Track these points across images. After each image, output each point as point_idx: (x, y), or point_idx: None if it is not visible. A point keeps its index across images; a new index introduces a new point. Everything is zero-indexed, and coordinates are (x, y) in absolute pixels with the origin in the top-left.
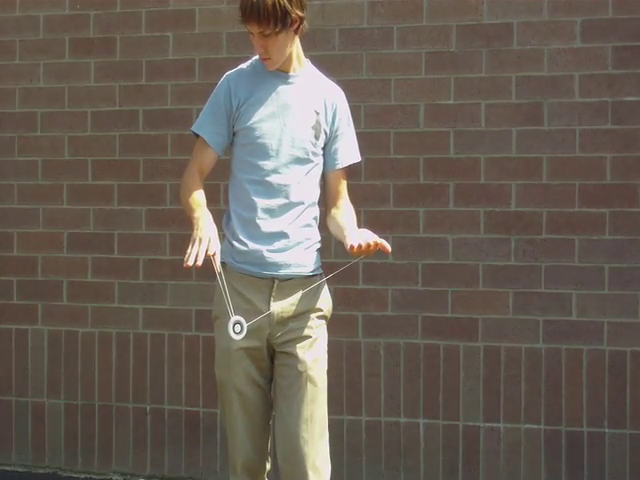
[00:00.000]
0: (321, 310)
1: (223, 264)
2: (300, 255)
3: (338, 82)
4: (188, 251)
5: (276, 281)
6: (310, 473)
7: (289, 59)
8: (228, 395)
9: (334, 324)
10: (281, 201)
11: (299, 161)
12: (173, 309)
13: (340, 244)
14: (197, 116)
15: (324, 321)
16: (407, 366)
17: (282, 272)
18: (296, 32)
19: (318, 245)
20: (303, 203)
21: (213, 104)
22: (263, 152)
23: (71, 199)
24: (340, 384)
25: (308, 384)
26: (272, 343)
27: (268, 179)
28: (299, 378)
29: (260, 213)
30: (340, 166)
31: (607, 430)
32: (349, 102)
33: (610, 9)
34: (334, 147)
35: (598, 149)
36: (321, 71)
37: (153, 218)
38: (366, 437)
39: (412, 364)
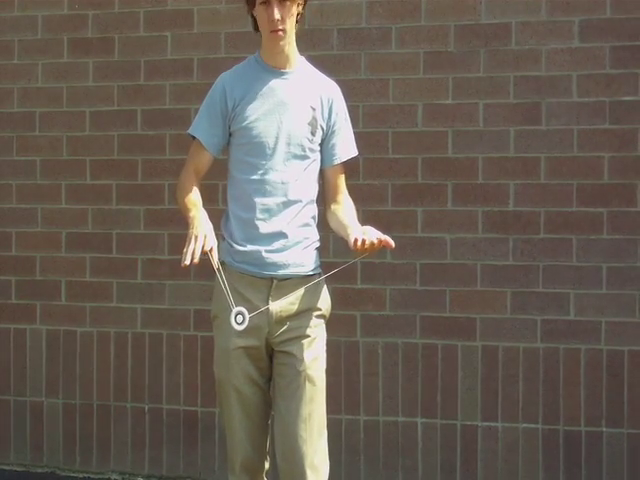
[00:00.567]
0: (320, 309)
1: (222, 263)
2: (299, 255)
3: (336, 82)
4: (184, 250)
5: (274, 281)
6: (308, 472)
7: (284, 55)
8: (227, 394)
9: (332, 323)
10: (279, 199)
11: (296, 158)
12: (171, 309)
13: (339, 243)
14: (195, 116)
15: (323, 320)
16: (405, 365)
17: (281, 272)
18: (297, 20)
19: (317, 244)
20: (301, 201)
21: (208, 105)
22: (260, 151)
23: (69, 199)
24: (338, 383)
25: (307, 383)
26: (271, 342)
27: (266, 177)
28: (298, 377)
29: (259, 213)
30: (338, 161)
31: (605, 429)
32: (347, 102)
33: (608, 9)
34: (332, 142)
35: (596, 149)
36: (319, 71)
37: (151, 218)
38: (364, 436)
39: (410, 364)
